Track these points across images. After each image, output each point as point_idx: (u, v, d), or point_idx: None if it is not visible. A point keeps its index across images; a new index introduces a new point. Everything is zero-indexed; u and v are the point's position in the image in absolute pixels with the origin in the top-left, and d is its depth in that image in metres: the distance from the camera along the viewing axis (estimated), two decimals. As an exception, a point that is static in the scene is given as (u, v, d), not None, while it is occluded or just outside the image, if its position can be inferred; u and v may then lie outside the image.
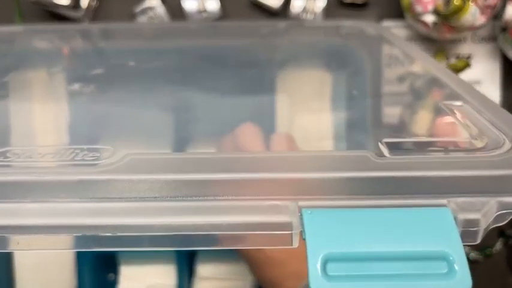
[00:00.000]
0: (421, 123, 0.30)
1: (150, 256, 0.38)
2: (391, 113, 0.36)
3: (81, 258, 0.37)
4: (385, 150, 0.16)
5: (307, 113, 0.38)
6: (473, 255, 0.42)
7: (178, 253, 0.37)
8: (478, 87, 0.43)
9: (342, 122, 0.38)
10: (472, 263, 0.42)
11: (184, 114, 0.36)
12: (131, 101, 0.33)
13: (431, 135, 0.22)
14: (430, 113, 0.30)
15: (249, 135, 0.29)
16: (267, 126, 0.36)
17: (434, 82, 0.29)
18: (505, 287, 0.43)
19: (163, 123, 0.35)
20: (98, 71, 0.35)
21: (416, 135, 0.24)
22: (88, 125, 0.27)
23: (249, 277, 0.37)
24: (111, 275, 0.39)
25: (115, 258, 0.39)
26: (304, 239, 0.14)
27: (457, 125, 0.20)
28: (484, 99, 0.21)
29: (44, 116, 0.29)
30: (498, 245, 0.43)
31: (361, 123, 0.36)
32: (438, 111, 0.24)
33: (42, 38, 0.40)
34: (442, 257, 0.14)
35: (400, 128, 0.32)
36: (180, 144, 0.35)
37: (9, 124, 0.26)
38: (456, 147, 0.18)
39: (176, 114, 0.35)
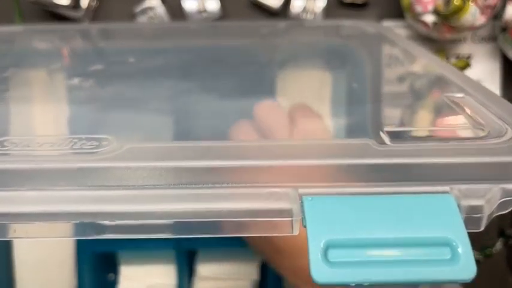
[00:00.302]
0: (421, 123, 0.30)
1: (150, 256, 0.38)
2: (391, 113, 0.36)
3: (81, 258, 0.36)
4: (386, 139, 0.16)
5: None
6: (473, 255, 0.42)
7: (178, 253, 0.37)
8: (478, 87, 0.43)
9: (341, 122, 0.38)
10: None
11: (184, 114, 0.36)
12: (131, 100, 0.33)
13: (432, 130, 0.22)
14: (430, 113, 0.30)
15: (270, 109, 0.28)
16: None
17: (435, 79, 0.29)
18: (505, 287, 0.43)
19: (162, 123, 0.35)
20: (98, 71, 0.35)
21: (418, 127, 0.23)
22: (86, 120, 0.27)
23: (249, 277, 0.37)
24: (111, 275, 0.39)
25: (115, 258, 0.38)
26: (304, 226, 0.14)
27: (459, 118, 0.20)
28: (485, 91, 0.21)
29: (43, 111, 0.29)
30: (498, 245, 0.42)
31: (361, 123, 0.36)
32: (438, 111, 0.24)
33: (42, 38, 0.40)
34: (446, 243, 0.14)
35: (401, 126, 0.32)
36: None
37: (8, 116, 0.26)
38: (458, 136, 0.18)
39: (176, 114, 0.35)
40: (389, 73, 0.38)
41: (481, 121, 0.18)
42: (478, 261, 0.42)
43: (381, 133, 0.17)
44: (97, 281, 0.37)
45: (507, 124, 0.17)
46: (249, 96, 0.36)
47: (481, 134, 0.17)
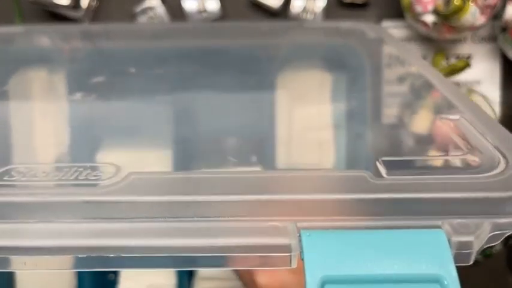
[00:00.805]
0: (421, 123, 0.30)
1: (151, 255, 0.39)
2: (391, 113, 0.36)
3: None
4: (382, 170, 0.17)
5: (307, 113, 0.39)
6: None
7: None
8: (478, 87, 0.43)
9: (341, 122, 0.38)
10: (472, 263, 0.43)
11: (185, 114, 0.36)
12: (131, 101, 0.33)
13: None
14: (429, 113, 0.30)
15: None
16: (267, 127, 0.36)
17: (432, 86, 0.29)
18: (505, 287, 0.44)
19: (163, 123, 0.35)
20: (98, 72, 0.35)
21: (413, 155, 0.24)
22: (90, 133, 0.28)
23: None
24: (111, 275, 0.39)
25: (116, 257, 0.39)
26: (302, 259, 0.15)
27: (453, 145, 0.20)
28: (480, 113, 0.21)
29: (45, 126, 0.29)
30: (498, 245, 0.43)
31: (361, 123, 0.37)
32: (438, 111, 0.24)
33: (42, 38, 0.40)
34: (436, 280, 0.14)
35: (400, 128, 0.32)
36: (181, 144, 0.35)
37: (11, 138, 0.26)
38: (452, 166, 0.18)
39: (176, 114, 0.36)
40: (389, 73, 0.38)
41: (475, 149, 0.18)
42: (478, 261, 0.43)
43: (377, 164, 0.17)
44: (97, 281, 0.38)
45: (500, 154, 0.18)
46: (249, 96, 0.37)
47: (475, 163, 0.17)
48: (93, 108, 0.32)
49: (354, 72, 0.39)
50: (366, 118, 0.37)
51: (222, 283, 0.37)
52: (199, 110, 0.36)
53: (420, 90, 0.33)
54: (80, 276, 0.37)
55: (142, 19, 0.41)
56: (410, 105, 0.35)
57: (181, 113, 0.36)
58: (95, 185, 0.16)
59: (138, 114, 0.33)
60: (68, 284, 0.37)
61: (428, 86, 0.30)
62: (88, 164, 0.17)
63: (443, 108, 0.23)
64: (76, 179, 0.17)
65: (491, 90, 0.43)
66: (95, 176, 0.17)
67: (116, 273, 0.39)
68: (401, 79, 0.38)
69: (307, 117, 0.38)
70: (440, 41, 0.42)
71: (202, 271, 0.38)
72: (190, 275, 0.39)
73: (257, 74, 0.38)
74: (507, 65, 0.42)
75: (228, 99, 0.36)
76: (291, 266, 0.15)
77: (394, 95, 0.37)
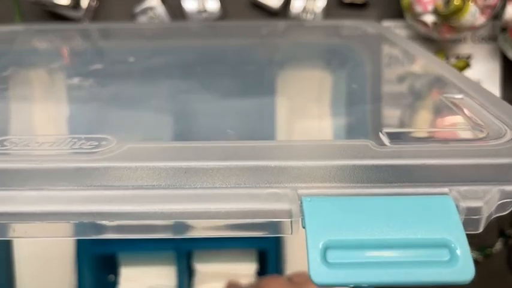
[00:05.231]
0: (421, 123, 0.30)
1: (150, 257, 0.38)
2: (391, 113, 0.36)
3: (82, 260, 0.36)
4: (385, 140, 0.16)
5: (307, 113, 0.38)
6: (473, 255, 0.42)
7: (178, 254, 0.37)
8: (478, 87, 0.43)
9: (341, 122, 0.38)
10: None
11: (184, 113, 0.36)
12: (131, 100, 0.33)
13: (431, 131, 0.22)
14: (430, 113, 0.30)
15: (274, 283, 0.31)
16: (267, 126, 0.36)
17: (435, 80, 0.29)
18: (505, 287, 0.43)
19: (162, 122, 0.35)
20: (97, 70, 0.35)
21: (417, 128, 0.23)
22: (86, 119, 0.27)
23: (247, 273, 0.37)
24: (111, 276, 0.39)
25: (115, 260, 0.39)
26: (304, 227, 0.14)
27: (458, 119, 0.20)
28: (485, 92, 0.21)
29: (42, 110, 0.29)
30: (498, 245, 0.43)
31: (361, 123, 0.36)
32: (438, 111, 0.24)
33: (42, 37, 0.40)
34: (444, 245, 0.14)
35: (400, 127, 0.32)
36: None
37: (8, 115, 0.26)
38: (457, 138, 0.18)
39: (175, 114, 0.35)
40: (389, 73, 0.38)
41: (480, 122, 0.18)
42: (477, 261, 0.43)
43: (380, 134, 0.17)
44: (97, 283, 0.37)
45: (506, 125, 0.17)
46: (249, 96, 0.36)
47: (480, 135, 0.17)
48: (91, 105, 0.32)
49: (353, 72, 0.39)
50: (366, 118, 0.37)
51: (222, 281, 0.37)
52: (199, 109, 0.36)
53: (420, 89, 0.33)
54: (80, 277, 0.36)
55: (142, 19, 0.41)
56: (410, 105, 0.35)
57: (181, 112, 0.35)
58: (89, 153, 0.16)
59: (136, 112, 0.33)
60: (67, 280, 0.36)
61: (431, 80, 0.30)
62: (83, 136, 0.17)
63: (447, 92, 0.23)
64: (70, 148, 0.16)
65: (491, 90, 0.43)
66: (89, 145, 0.16)
67: (116, 274, 0.38)
68: (401, 79, 0.38)
69: (307, 117, 0.38)
70: (440, 41, 0.42)
71: (201, 269, 0.37)
72: (190, 275, 0.38)
73: (257, 74, 0.38)
74: (507, 65, 0.42)
75: (228, 99, 0.36)
76: (291, 233, 0.15)
77: (394, 94, 0.37)
